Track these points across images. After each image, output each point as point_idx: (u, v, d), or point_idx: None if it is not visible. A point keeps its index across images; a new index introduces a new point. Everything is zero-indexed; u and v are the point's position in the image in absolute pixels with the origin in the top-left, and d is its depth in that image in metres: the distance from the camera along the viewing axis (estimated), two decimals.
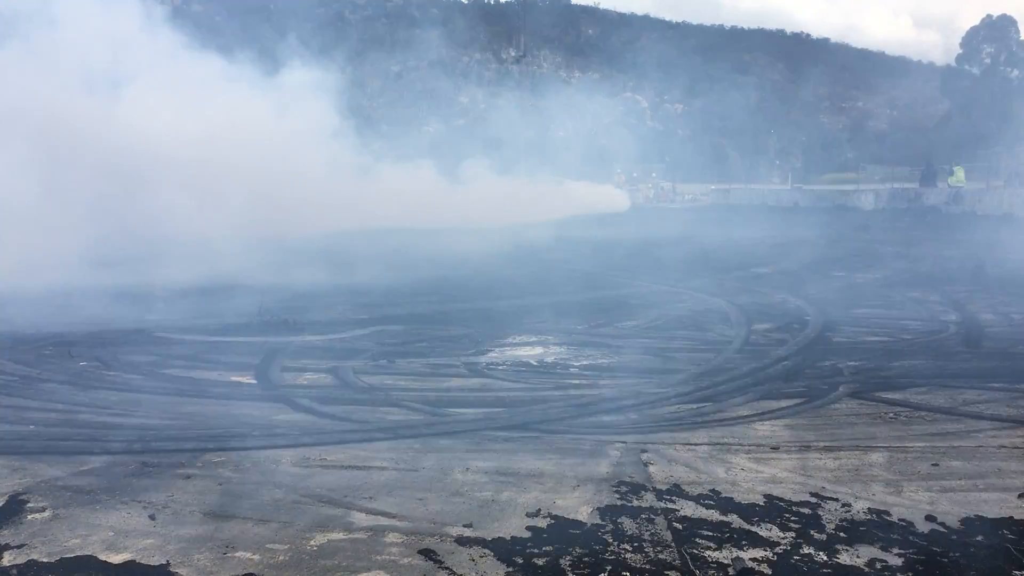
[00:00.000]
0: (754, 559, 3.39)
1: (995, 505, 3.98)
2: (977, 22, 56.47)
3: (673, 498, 4.05)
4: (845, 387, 6.22)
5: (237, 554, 3.42)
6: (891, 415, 5.59)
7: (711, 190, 41.12)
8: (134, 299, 10.08)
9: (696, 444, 4.91)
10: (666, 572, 3.28)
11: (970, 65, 57.33)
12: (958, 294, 11.08)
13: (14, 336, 8.07)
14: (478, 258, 15.60)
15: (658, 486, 4.20)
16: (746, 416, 5.53)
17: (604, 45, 73.36)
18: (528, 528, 3.68)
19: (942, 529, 3.70)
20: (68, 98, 15.03)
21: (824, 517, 3.82)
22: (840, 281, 12.74)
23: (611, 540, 3.56)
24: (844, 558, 3.41)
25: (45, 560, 3.35)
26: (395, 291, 11.44)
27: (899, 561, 3.38)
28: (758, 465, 4.55)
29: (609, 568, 3.30)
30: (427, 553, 3.42)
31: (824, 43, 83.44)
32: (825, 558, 3.41)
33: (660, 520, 3.77)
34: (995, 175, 30.98)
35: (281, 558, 3.39)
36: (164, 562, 3.33)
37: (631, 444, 4.89)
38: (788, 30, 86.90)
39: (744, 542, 3.54)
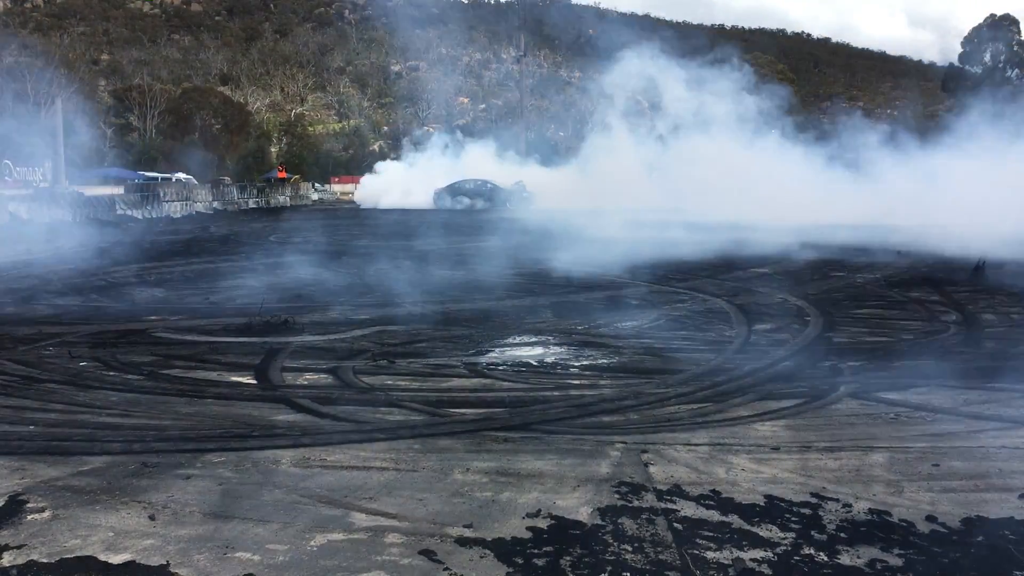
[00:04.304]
0: (754, 559, 3.38)
1: (996, 506, 3.97)
2: (974, 22, 56.69)
3: (673, 498, 4.04)
4: (846, 387, 6.22)
5: (237, 554, 3.42)
6: (892, 415, 5.58)
7: None
8: None
9: (697, 444, 4.91)
10: (666, 573, 3.27)
11: (972, 65, 57.33)
12: (958, 294, 11.07)
13: (14, 336, 8.07)
14: None
15: (658, 486, 4.20)
16: (747, 416, 5.53)
17: (604, 45, 73.33)
18: (528, 529, 3.68)
19: (943, 530, 3.70)
20: None
21: (825, 517, 3.82)
22: (840, 281, 12.74)
23: (611, 541, 3.56)
24: (845, 559, 3.40)
25: (45, 560, 3.35)
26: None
27: (900, 562, 3.38)
28: (759, 465, 4.54)
29: (609, 569, 3.30)
30: (427, 553, 3.42)
31: (825, 43, 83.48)
32: (826, 558, 3.40)
33: (660, 521, 3.77)
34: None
35: (281, 558, 3.38)
36: (164, 562, 3.33)
37: (631, 444, 4.89)
38: (789, 30, 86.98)
39: (744, 543, 3.54)
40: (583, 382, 6.49)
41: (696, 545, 3.51)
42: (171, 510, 3.89)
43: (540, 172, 42.68)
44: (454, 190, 39.44)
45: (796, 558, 3.41)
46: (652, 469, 4.46)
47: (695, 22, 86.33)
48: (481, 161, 43.78)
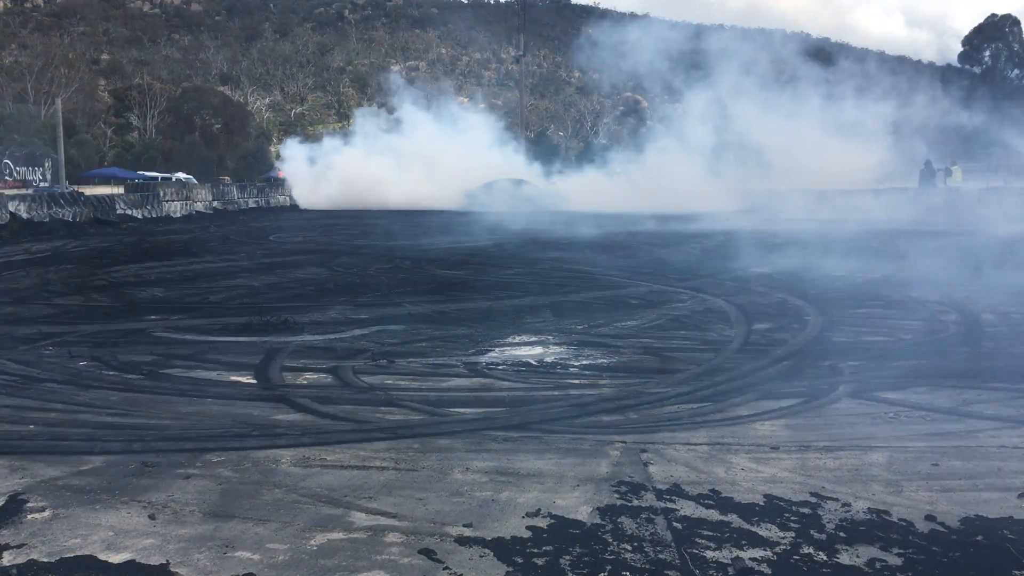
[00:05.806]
0: (754, 559, 3.39)
1: (995, 505, 3.98)
2: (971, 22, 56.92)
3: (673, 498, 4.05)
4: (845, 387, 6.22)
5: (237, 554, 3.42)
6: (891, 415, 5.59)
7: None
8: None
9: (696, 444, 4.91)
10: (666, 572, 3.27)
11: (971, 64, 57.38)
12: (958, 294, 11.07)
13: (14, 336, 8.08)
14: None
15: (658, 486, 4.20)
16: (746, 416, 5.53)
17: (604, 44, 73.38)
18: (528, 528, 3.68)
19: (942, 529, 3.70)
20: None
21: (824, 517, 3.82)
22: (840, 281, 12.73)
23: (611, 540, 3.56)
24: (844, 558, 3.41)
25: (45, 560, 3.35)
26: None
27: (899, 561, 3.38)
28: (758, 465, 4.55)
29: (609, 568, 3.30)
30: (427, 553, 3.42)
31: (824, 42, 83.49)
32: (825, 558, 3.41)
33: (660, 520, 3.77)
34: (994, 175, 30.96)
35: (281, 558, 3.39)
36: (164, 562, 3.33)
37: (631, 444, 4.89)
38: (788, 30, 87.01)
39: (744, 542, 3.54)
40: (583, 381, 6.49)
41: (695, 544, 3.51)
42: (171, 509, 3.89)
43: (561, 174, 41.88)
44: (488, 190, 38.65)
45: (795, 557, 3.41)
46: (651, 468, 4.47)
47: (694, 21, 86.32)
48: (487, 159, 42.81)
